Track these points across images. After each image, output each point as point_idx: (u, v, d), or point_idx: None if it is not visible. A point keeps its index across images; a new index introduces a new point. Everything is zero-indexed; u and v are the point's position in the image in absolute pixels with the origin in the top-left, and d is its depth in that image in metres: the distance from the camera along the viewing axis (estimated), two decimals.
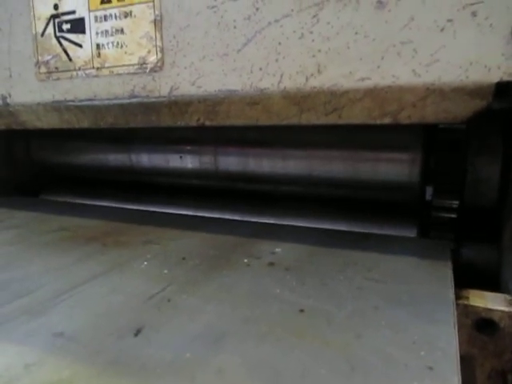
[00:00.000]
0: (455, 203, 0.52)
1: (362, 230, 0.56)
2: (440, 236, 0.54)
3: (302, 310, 0.31)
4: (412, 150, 0.53)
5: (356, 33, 0.35)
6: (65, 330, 0.28)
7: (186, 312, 0.30)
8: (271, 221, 0.60)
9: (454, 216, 0.54)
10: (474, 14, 0.32)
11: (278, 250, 0.44)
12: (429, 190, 0.57)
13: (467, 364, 0.37)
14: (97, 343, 0.27)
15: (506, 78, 0.31)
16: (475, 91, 0.33)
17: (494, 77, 0.32)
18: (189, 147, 0.65)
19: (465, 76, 0.33)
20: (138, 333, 0.28)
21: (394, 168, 0.55)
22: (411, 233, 0.56)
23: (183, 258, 0.41)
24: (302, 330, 0.28)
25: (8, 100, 0.52)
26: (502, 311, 0.36)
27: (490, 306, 0.37)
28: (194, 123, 0.44)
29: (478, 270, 0.52)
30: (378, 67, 0.35)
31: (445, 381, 0.23)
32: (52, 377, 0.23)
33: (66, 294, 0.33)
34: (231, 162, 0.63)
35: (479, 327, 0.37)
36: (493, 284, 0.47)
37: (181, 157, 0.65)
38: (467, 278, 0.45)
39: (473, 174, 0.51)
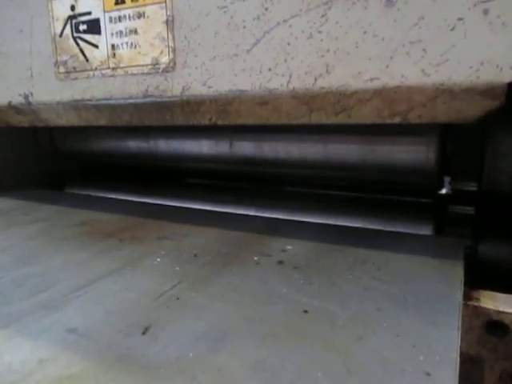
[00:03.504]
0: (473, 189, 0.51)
1: (377, 225, 0.56)
2: (456, 230, 0.53)
3: (306, 311, 0.31)
4: (429, 137, 0.52)
5: (365, 32, 0.34)
6: (78, 326, 0.30)
7: (192, 311, 0.31)
8: (284, 215, 0.60)
9: (471, 209, 0.53)
10: (485, 12, 0.31)
11: (289, 247, 0.45)
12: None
13: (476, 366, 0.37)
14: (107, 340, 0.28)
15: None
16: (486, 91, 0.32)
17: (506, 77, 0.31)
18: (206, 134, 0.67)
19: (475, 76, 0.32)
20: (145, 331, 0.29)
21: (411, 155, 0.54)
22: (428, 224, 0.56)
23: (195, 255, 0.42)
24: (304, 331, 0.28)
25: (30, 99, 0.54)
26: None
27: (502, 308, 0.36)
28: (206, 122, 0.45)
29: (496, 265, 0.51)
30: (387, 67, 0.34)
31: None
32: (63, 372, 0.25)
33: (81, 290, 0.35)
34: (247, 147, 0.64)
35: (490, 329, 0.36)
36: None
37: (201, 144, 0.66)
38: (485, 274, 0.44)
39: (490, 163, 0.50)
